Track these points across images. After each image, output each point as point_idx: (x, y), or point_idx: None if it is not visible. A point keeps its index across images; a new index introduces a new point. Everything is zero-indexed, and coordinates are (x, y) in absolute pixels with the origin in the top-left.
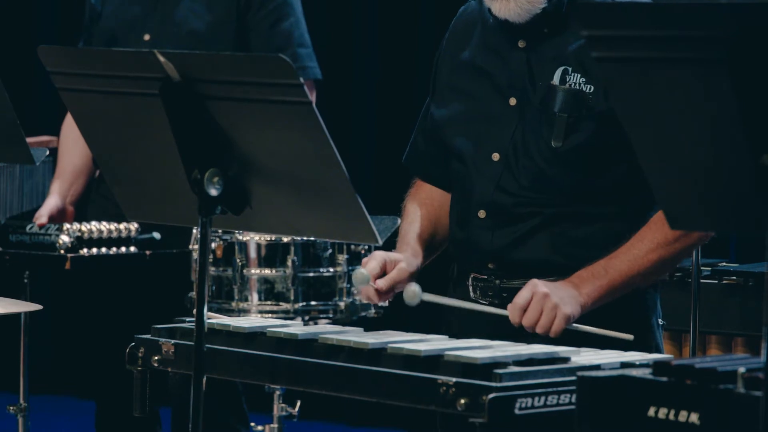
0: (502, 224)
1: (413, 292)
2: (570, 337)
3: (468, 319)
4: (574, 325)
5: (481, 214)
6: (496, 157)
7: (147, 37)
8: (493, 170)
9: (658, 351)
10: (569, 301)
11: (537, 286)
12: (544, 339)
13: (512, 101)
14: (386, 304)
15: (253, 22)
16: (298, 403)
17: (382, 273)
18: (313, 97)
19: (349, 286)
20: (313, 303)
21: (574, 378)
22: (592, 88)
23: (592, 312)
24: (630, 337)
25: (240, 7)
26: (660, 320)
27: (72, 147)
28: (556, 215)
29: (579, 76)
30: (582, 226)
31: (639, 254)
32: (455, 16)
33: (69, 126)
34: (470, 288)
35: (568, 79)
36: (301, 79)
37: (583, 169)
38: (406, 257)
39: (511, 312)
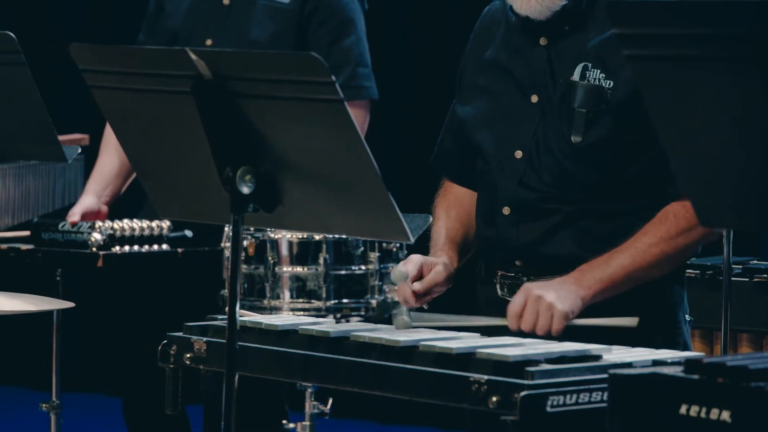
0: (527, 220)
1: (403, 321)
2: (601, 333)
3: (494, 316)
4: (576, 321)
5: (506, 210)
6: (519, 154)
7: (209, 42)
8: (516, 167)
9: (686, 347)
10: (565, 297)
11: (529, 289)
12: (570, 333)
13: (534, 98)
14: (426, 306)
15: (314, 36)
16: (330, 401)
17: (419, 276)
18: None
19: (380, 284)
20: (344, 301)
21: (605, 376)
22: (612, 83)
23: (616, 307)
24: (633, 321)
25: (303, 20)
26: (687, 316)
27: (113, 148)
28: (579, 211)
29: (599, 71)
30: (605, 222)
31: (641, 248)
32: (480, 16)
33: None
34: (498, 286)
35: (587, 75)
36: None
37: (604, 165)
38: (442, 261)
39: (509, 321)
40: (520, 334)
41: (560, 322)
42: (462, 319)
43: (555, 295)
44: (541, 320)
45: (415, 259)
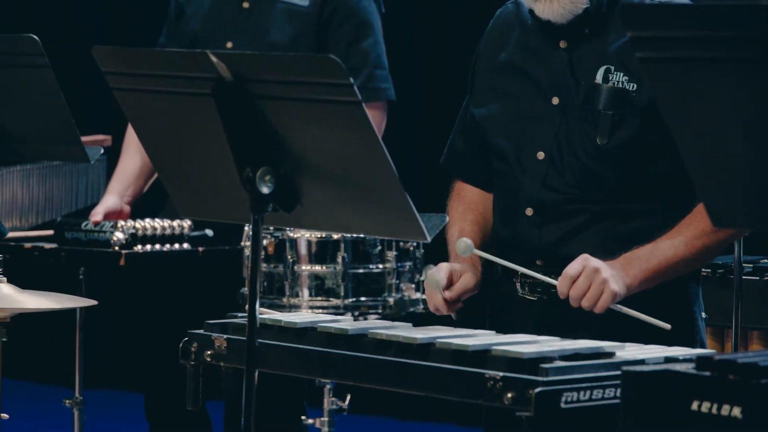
0: (550, 221)
1: (465, 245)
2: (616, 328)
3: (513, 313)
4: (618, 306)
5: (529, 211)
6: (541, 155)
7: (229, 44)
8: (538, 168)
9: (702, 344)
10: (617, 280)
11: (588, 259)
12: (589, 332)
13: (555, 100)
14: (454, 317)
15: (333, 38)
16: (348, 397)
17: (449, 284)
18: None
19: (397, 282)
20: (362, 299)
21: (618, 372)
22: (635, 86)
23: (636, 303)
24: (667, 326)
25: (321, 22)
26: (703, 314)
27: (135, 148)
28: (603, 211)
29: (622, 74)
30: (627, 222)
31: (684, 241)
32: (492, 18)
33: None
34: (518, 285)
35: (610, 78)
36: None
37: (628, 166)
38: (470, 267)
39: (560, 282)
40: (539, 326)
41: (608, 300)
42: (515, 266)
43: (610, 273)
44: (591, 291)
45: (444, 267)
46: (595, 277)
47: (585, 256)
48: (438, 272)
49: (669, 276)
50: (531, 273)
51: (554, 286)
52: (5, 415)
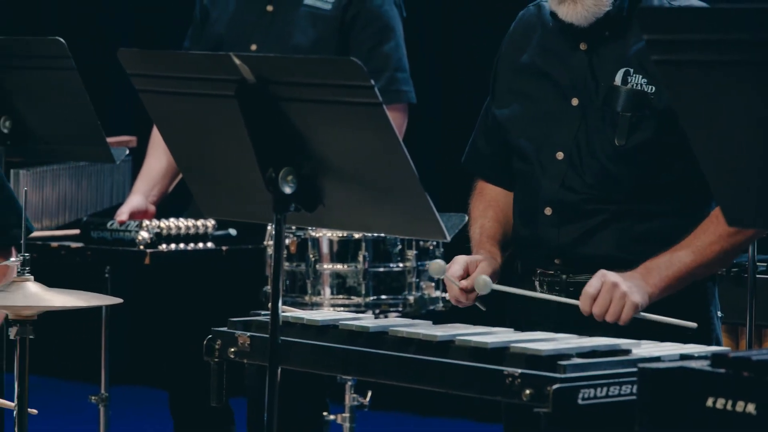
0: (568, 221)
1: (484, 282)
2: (634, 328)
3: (532, 311)
4: (642, 314)
5: (548, 211)
6: (560, 155)
7: (254, 47)
8: (557, 169)
9: (718, 342)
10: (637, 291)
11: (606, 275)
12: (607, 331)
13: (574, 101)
14: (482, 308)
15: (355, 42)
16: (369, 393)
17: (466, 275)
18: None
19: (417, 280)
20: (383, 297)
21: (635, 369)
22: (654, 88)
23: (655, 302)
24: (694, 325)
25: (344, 25)
26: (719, 312)
27: (160, 149)
28: (620, 212)
29: (641, 77)
30: (644, 222)
31: (702, 246)
32: (514, 21)
33: None
34: (537, 283)
35: (629, 80)
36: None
37: (645, 167)
38: (486, 257)
39: (581, 301)
40: (581, 323)
41: (630, 312)
42: (535, 294)
43: (629, 285)
44: (613, 307)
45: (460, 259)
46: (615, 291)
47: (602, 272)
48: (453, 264)
49: (688, 281)
50: (551, 298)
51: (575, 287)
52: (34, 411)
